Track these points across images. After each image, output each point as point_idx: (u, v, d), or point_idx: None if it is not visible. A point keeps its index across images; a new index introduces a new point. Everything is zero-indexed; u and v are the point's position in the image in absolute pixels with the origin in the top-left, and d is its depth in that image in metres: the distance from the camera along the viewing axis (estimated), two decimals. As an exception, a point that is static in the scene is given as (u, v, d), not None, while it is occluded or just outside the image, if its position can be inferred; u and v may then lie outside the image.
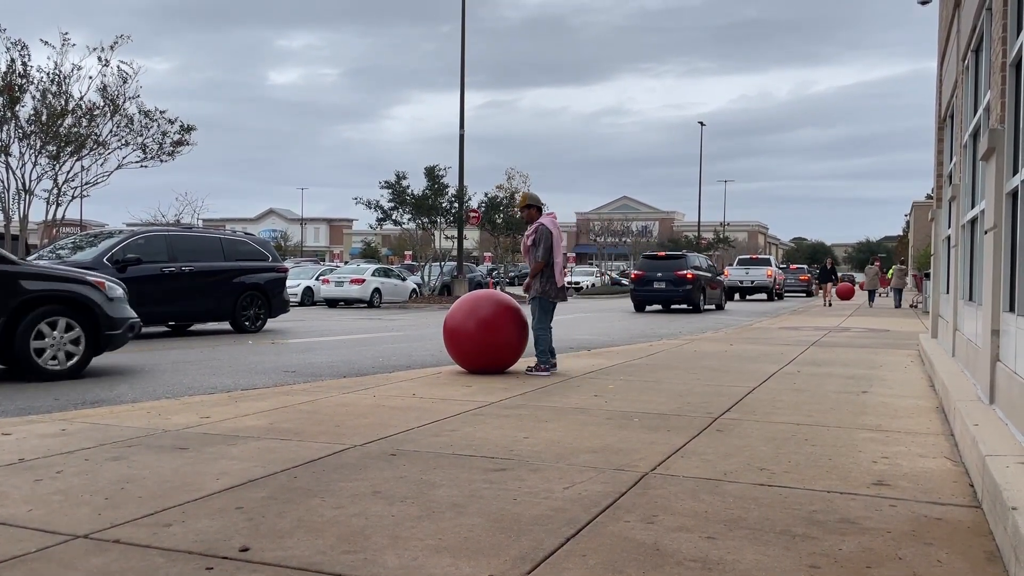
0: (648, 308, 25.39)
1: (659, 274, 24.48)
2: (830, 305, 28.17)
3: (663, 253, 27.57)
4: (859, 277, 71.70)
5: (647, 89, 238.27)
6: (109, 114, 24.34)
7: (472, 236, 57.47)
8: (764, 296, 37.29)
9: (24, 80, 22.95)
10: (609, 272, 59.69)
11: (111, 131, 24.62)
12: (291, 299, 19.83)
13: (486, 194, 41.71)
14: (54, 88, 23.44)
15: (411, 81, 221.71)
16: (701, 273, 25.09)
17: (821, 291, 31.91)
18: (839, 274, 41.45)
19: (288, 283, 16.78)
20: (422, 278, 32.68)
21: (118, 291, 8.91)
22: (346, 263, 42.86)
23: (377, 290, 26.84)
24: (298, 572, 2.71)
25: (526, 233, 8.39)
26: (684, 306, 24.97)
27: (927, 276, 21.82)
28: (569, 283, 40.21)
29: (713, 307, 26.52)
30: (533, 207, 8.40)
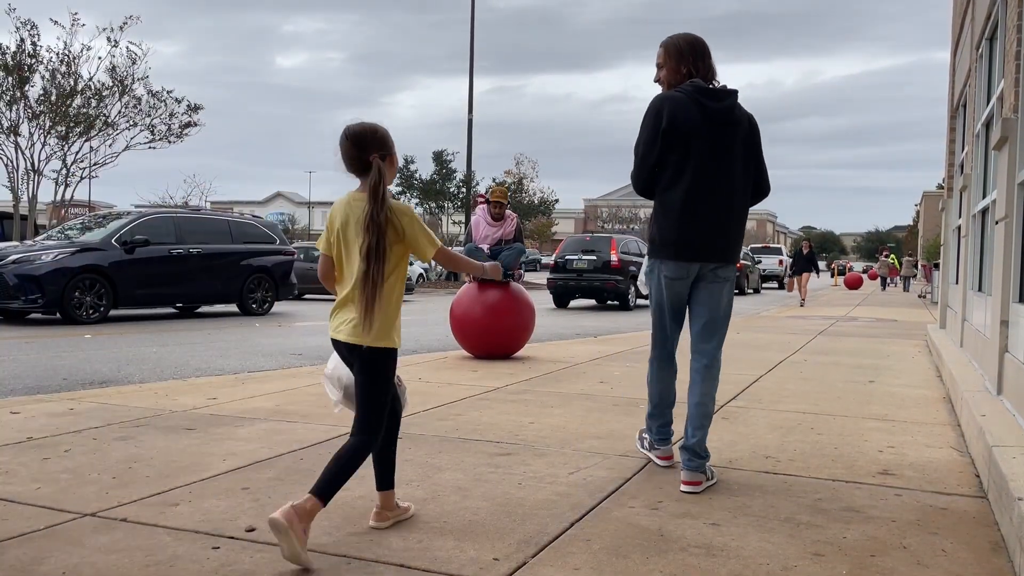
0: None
1: None
2: (802, 304, 20.94)
3: None
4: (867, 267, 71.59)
5: (652, 76, 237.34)
6: (118, 95, 24.34)
7: (479, 221, 57.35)
8: (775, 285, 37.37)
9: (34, 60, 22.95)
10: None
11: (120, 112, 24.64)
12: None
13: (494, 179, 41.61)
14: (63, 68, 23.43)
15: (416, 67, 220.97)
16: (745, 263, 30.04)
17: (795, 284, 22.38)
18: (818, 261, 34.20)
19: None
20: (429, 263, 32.75)
21: None
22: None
23: None
24: (303, 553, 2.72)
25: (502, 224, 8.52)
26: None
27: (936, 266, 21.74)
28: None
29: (752, 291, 31.92)
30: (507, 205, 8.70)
